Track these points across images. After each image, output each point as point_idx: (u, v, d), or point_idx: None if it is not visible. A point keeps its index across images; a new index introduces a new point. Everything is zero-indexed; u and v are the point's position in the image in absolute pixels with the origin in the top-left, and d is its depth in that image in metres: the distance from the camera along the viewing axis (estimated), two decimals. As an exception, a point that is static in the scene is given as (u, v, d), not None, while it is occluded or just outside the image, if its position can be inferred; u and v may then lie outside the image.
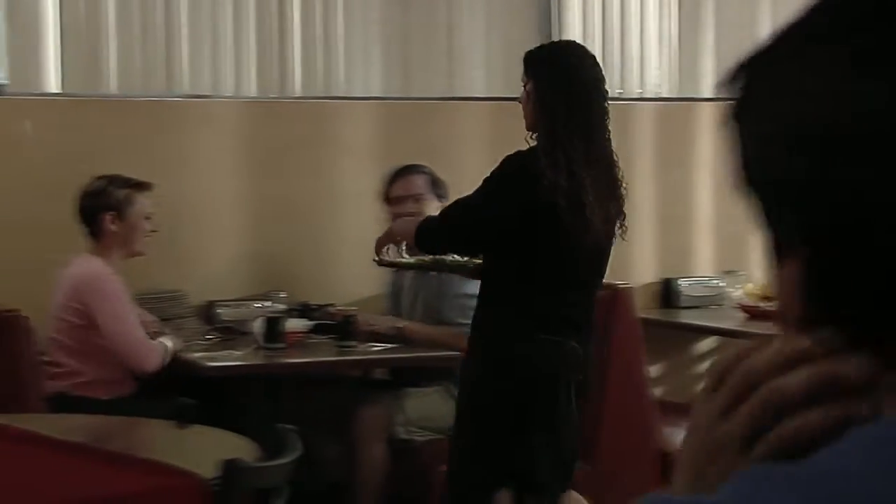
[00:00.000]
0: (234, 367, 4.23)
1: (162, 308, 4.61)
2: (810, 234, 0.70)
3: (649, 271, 5.46)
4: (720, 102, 0.76)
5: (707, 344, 5.54)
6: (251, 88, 5.09)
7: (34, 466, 2.55)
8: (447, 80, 5.40)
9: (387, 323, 4.49)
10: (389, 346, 4.41)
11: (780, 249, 0.73)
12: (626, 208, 3.48)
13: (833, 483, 0.64)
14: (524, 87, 3.48)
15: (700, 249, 5.60)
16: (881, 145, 0.67)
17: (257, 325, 4.38)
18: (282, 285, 4.76)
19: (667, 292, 5.41)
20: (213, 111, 4.99)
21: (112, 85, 4.88)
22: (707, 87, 5.61)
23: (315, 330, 4.57)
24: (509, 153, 3.40)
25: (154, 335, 4.27)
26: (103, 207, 4.22)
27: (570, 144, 3.32)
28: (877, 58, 0.68)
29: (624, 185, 3.47)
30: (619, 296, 4.36)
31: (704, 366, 5.56)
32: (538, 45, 3.72)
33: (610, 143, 3.42)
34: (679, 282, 5.40)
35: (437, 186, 4.52)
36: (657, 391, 5.02)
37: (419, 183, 4.52)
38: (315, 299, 4.81)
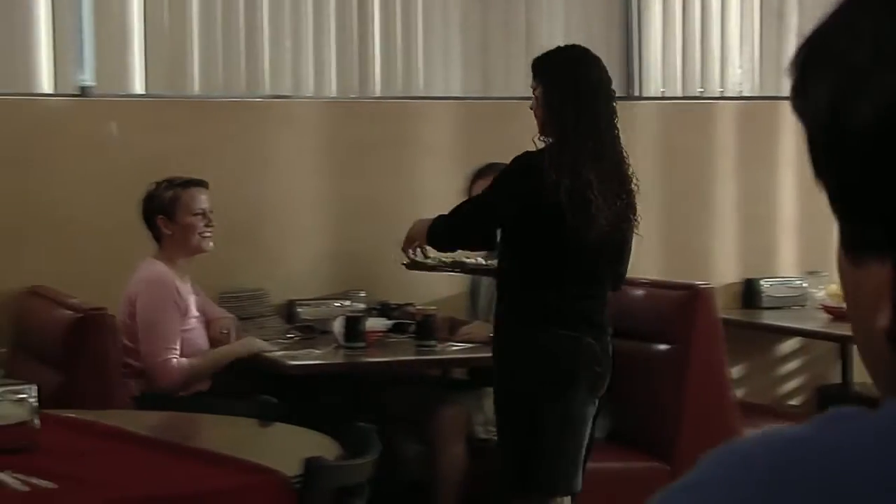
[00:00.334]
0: (314, 365, 4.26)
1: (244, 307, 4.66)
2: None
3: (731, 271, 5.41)
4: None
5: (790, 345, 5.47)
6: (332, 89, 5.13)
7: (122, 462, 2.60)
8: (527, 79, 5.38)
9: (482, 331, 4.48)
10: (469, 345, 4.41)
11: (860, 248, 0.69)
12: (638, 203, 3.60)
13: None
14: (533, 92, 3.57)
15: (783, 249, 5.53)
16: None
17: (337, 325, 4.41)
18: (362, 285, 4.80)
19: (749, 293, 5.35)
20: (295, 112, 5.04)
21: (195, 86, 4.95)
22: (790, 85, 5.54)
23: (394, 329, 4.59)
24: (518, 153, 3.51)
25: (226, 336, 4.30)
26: (154, 211, 4.26)
27: (577, 145, 3.42)
28: None
29: (635, 181, 3.57)
30: (699, 296, 4.33)
31: (787, 367, 5.49)
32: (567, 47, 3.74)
33: (619, 142, 3.53)
34: (761, 282, 5.35)
35: None
36: (739, 392, 4.98)
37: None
38: (394, 299, 4.84)
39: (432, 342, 4.42)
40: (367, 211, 4.99)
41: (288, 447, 2.96)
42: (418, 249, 3.82)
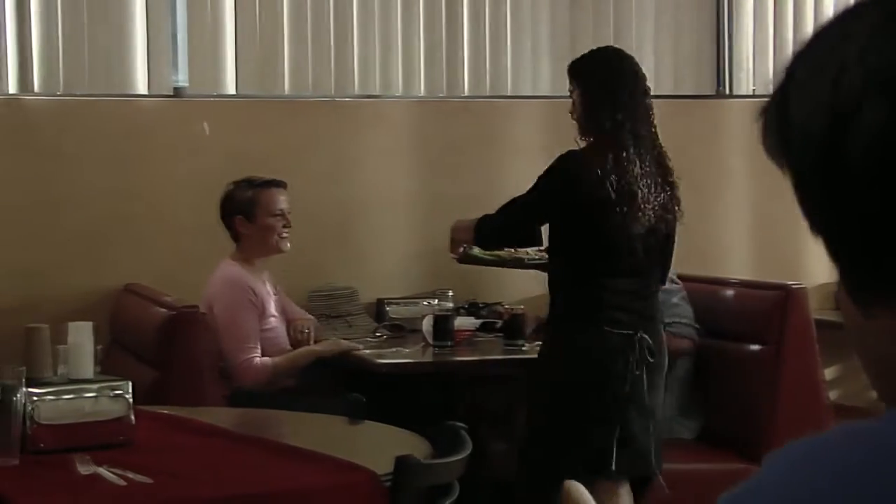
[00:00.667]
0: (404, 364, 4.27)
1: (333, 305, 4.70)
2: None
3: (824, 271, 5.33)
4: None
5: (884, 347, 5.37)
6: (420, 88, 5.14)
7: (216, 459, 2.63)
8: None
9: None
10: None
11: (872, 302, 0.66)
12: (679, 195, 3.69)
13: None
14: (571, 96, 3.69)
15: (877, 249, 5.43)
16: None
17: (426, 323, 4.43)
18: (450, 284, 4.80)
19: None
20: (384, 111, 5.06)
21: (285, 86, 4.99)
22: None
23: (482, 328, 4.59)
24: (562, 152, 3.63)
25: (305, 336, 4.33)
26: (232, 211, 4.29)
27: (619, 141, 3.52)
28: None
29: (675, 174, 3.65)
30: (792, 296, 4.27)
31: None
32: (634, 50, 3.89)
33: (657, 137, 3.61)
34: (855, 283, 5.25)
35: None
36: (833, 395, 4.90)
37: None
38: (483, 297, 4.84)
39: (520, 341, 4.42)
40: (455, 210, 4.97)
41: (378, 445, 2.97)
42: (464, 248, 3.94)
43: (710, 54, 5.47)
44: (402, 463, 2.43)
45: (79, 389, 2.69)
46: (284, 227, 4.30)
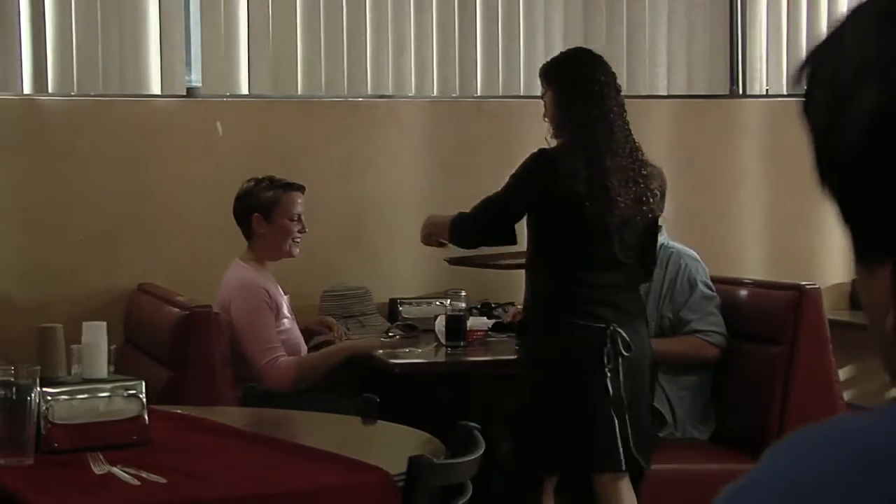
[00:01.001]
0: (417, 364, 4.27)
1: (347, 304, 4.70)
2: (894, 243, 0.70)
3: (839, 271, 5.32)
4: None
5: (899, 347, 5.35)
6: (433, 88, 5.14)
7: (230, 459, 2.63)
8: (630, 78, 5.35)
9: None
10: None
11: (868, 256, 0.72)
12: (655, 188, 3.75)
13: None
14: (543, 98, 3.78)
15: (891, 249, 5.42)
16: None
17: (439, 323, 4.43)
18: (463, 284, 4.80)
19: (857, 293, 5.25)
20: (397, 111, 5.07)
21: (298, 87, 5.00)
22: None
23: (495, 328, 4.59)
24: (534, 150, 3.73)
25: (339, 335, 4.34)
26: (251, 209, 4.26)
27: (590, 138, 3.61)
28: None
29: (646, 169, 3.71)
30: (806, 296, 4.25)
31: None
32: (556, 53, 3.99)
33: (630, 132, 3.70)
34: (869, 282, 5.23)
35: None
36: (847, 395, 4.88)
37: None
38: (495, 298, 4.84)
39: (533, 341, 4.41)
40: (468, 209, 4.98)
41: (391, 445, 2.97)
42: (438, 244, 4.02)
43: (724, 54, 5.46)
44: (415, 463, 2.43)
45: (93, 389, 2.70)
46: (300, 231, 4.30)
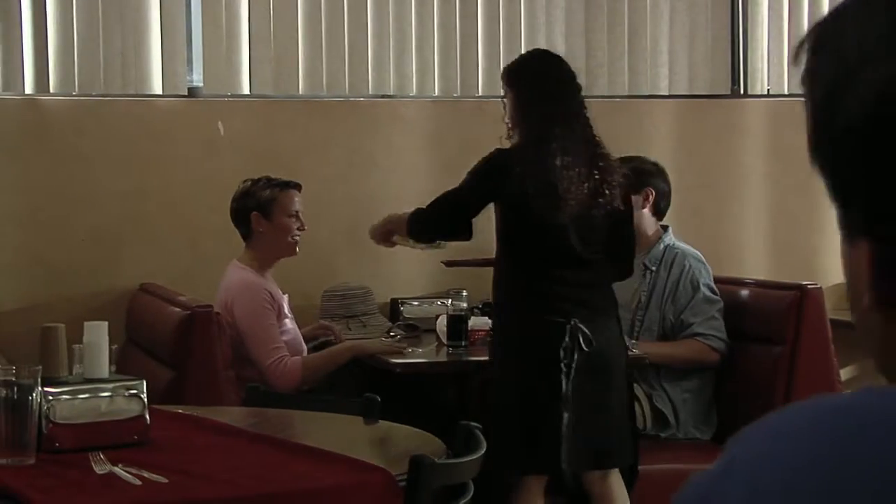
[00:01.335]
0: (418, 363, 4.27)
1: (348, 304, 4.70)
2: (874, 221, 0.72)
3: (840, 271, 5.29)
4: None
5: (900, 347, 5.35)
6: (435, 88, 5.14)
7: (232, 458, 2.63)
8: (631, 78, 5.35)
9: None
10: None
11: (850, 231, 0.74)
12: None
13: None
14: (502, 100, 3.85)
15: None
16: None
17: (440, 323, 4.43)
18: (465, 284, 4.80)
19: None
20: (398, 111, 5.07)
21: (299, 87, 5.00)
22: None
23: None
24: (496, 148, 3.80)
25: (325, 341, 4.34)
26: (249, 208, 4.27)
27: (542, 137, 3.68)
28: None
29: (604, 162, 3.74)
30: (807, 296, 4.26)
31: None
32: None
33: (590, 129, 3.74)
34: (871, 282, 5.23)
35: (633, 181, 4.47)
36: (848, 395, 4.87)
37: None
38: (497, 298, 4.83)
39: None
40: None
41: (393, 445, 2.98)
42: (396, 240, 4.11)
43: (725, 54, 5.46)
44: (416, 463, 2.43)
45: (94, 389, 2.70)
46: (299, 229, 4.30)
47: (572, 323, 3.63)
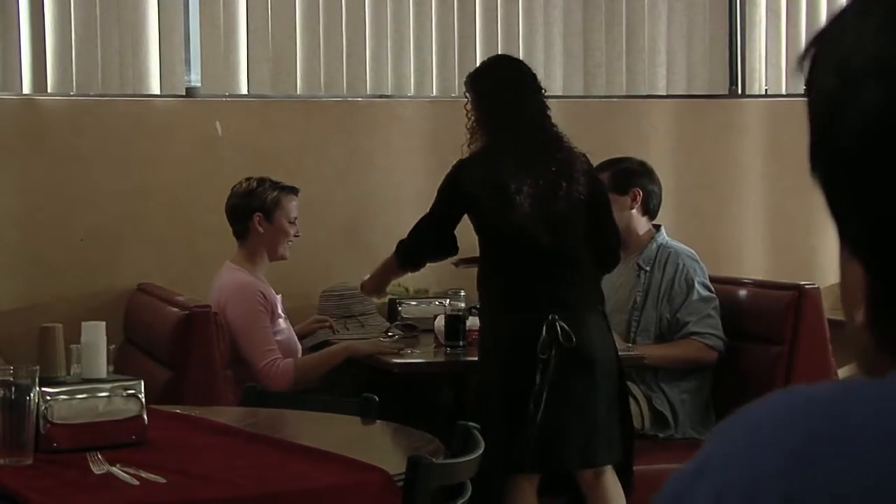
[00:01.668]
0: (416, 363, 4.27)
1: (346, 304, 4.70)
2: (869, 254, 0.71)
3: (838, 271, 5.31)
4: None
5: (898, 347, 5.35)
6: (432, 88, 5.14)
7: (230, 458, 2.63)
8: (629, 78, 5.36)
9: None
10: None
11: (846, 247, 0.74)
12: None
13: None
14: (465, 106, 3.88)
15: (892, 249, 5.42)
16: None
17: (438, 323, 4.42)
18: (463, 284, 4.80)
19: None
20: (396, 111, 5.07)
21: (297, 87, 5.00)
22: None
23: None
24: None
25: (323, 341, 4.33)
26: (253, 208, 4.26)
27: (492, 139, 3.74)
28: None
29: (562, 154, 3.75)
30: (806, 296, 4.26)
31: None
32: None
33: (551, 128, 3.79)
34: (869, 282, 5.23)
35: (620, 182, 4.47)
36: (845, 395, 4.88)
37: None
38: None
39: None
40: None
41: (391, 445, 2.98)
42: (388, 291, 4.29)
43: (723, 54, 5.46)
44: (414, 463, 2.43)
45: (92, 389, 2.70)
46: (295, 235, 4.32)
47: (549, 318, 3.62)
